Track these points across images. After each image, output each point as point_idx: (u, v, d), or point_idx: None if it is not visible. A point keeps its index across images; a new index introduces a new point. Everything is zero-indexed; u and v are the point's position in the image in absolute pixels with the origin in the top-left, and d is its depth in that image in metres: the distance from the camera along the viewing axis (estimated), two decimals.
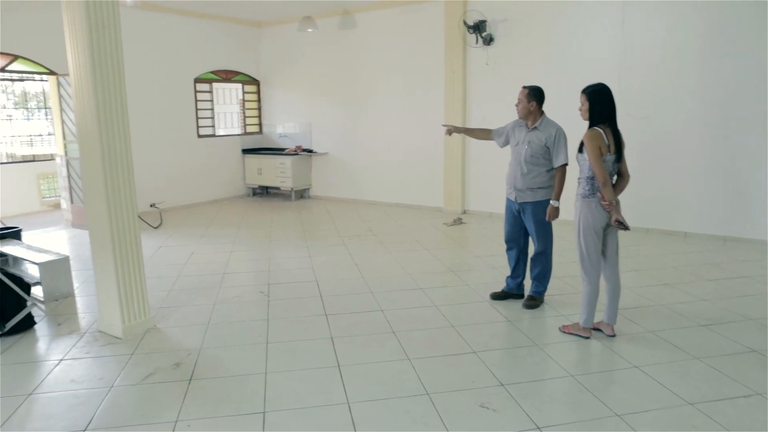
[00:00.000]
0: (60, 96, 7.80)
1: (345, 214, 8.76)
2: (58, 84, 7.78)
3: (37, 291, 4.77)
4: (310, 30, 8.94)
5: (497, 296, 4.75)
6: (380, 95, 9.29)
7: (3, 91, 9.68)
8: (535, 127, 4.33)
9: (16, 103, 9.89)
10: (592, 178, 3.67)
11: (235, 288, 5.15)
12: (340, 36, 9.53)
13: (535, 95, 4.30)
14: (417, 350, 3.75)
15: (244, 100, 10.87)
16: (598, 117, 3.64)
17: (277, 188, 10.62)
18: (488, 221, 8.05)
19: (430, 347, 3.81)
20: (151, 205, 8.74)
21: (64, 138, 7.87)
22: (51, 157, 9.51)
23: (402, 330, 4.09)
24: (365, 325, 4.22)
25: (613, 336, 3.92)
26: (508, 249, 4.73)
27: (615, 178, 3.74)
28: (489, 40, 7.90)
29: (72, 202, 7.90)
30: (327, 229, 7.73)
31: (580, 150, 3.72)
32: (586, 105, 3.68)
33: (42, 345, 3.97)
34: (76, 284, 5.21)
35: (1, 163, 9.23)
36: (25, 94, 9.93)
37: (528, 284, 4.71)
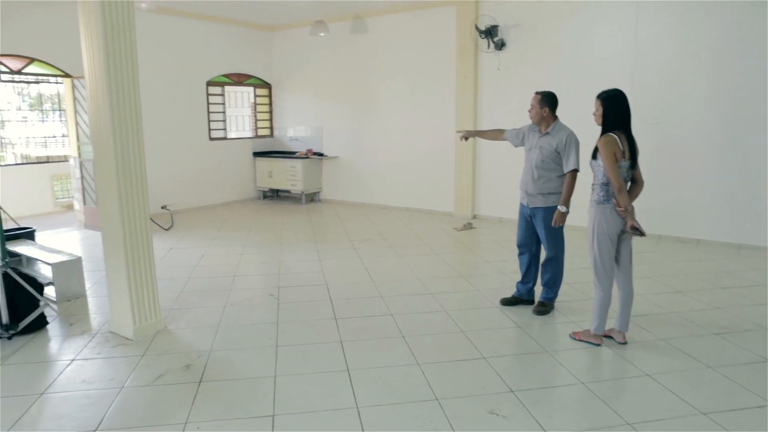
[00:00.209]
0: (74, 98, 7.88)
1: (355, 218, 8.77)
2: (73, 86, 7.86)
3: (49, 291, 4.82)
4: (322, 34, 8.98)
5: (507, 302, 4.74)
6: (391, 100, 9.30)
7: (18, 93, 9.80)
8: (547, 133, 4.32)
9: (31, 105, 10.01)
10: (606, 184, 3.64)
11: (246, 291, 5.17)
12: (351, 40, 9.56)
13: (548, 101, 4.29)
14: (426, 355, 3.73)
15: (255, 104, 10.93)
16: (612, 123, 3.61)
17: (288, 191, 10.65)
18: (498, 226, 8.02)
19: (440, 352, 3.80)
20: (162, 207, 8.81)
21: (78, 140, 7.95)
22: (64, 159, 9.62)
23: (412, 335, 4.08)
24: (375, 329, 4.21)
25: (625, 343, 3.88)
26: (520, 254, 4.71)
27: (629, 184, 3.71)
28: (501, 45, 7.89)
29: (84, 203, 7.97)
30: (337, 232, 7.74)
31: (594, 156, 3.70)
32: (600, 110, 3.66)
33: (54, 345, 4.00)
34: (88, 285, 5.25)
35: (16, 164, 9.35)
36: (40, 96, 10.06)
37: (539, 290, 4.68)
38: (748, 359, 3.64)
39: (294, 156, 10.26)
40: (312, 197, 10.55)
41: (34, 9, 7.38)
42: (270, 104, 11.07)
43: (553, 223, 4.27)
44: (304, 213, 9.34)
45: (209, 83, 9.80)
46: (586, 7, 7.25)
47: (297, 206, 10.03)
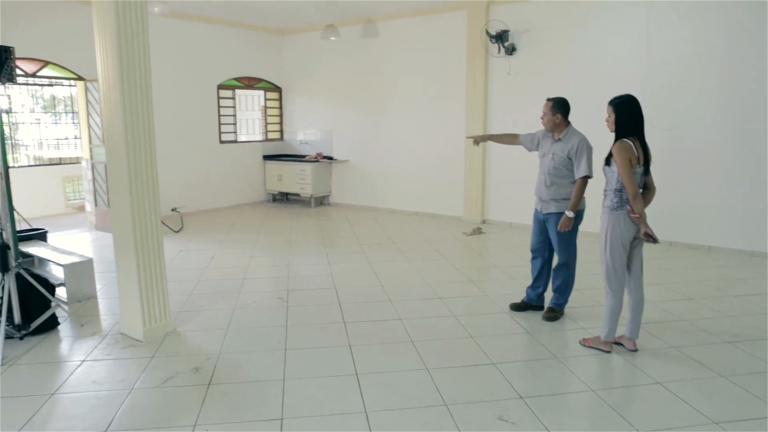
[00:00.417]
0: (87, 101, 7.96)
1: (364, 222, 8.77)
2: (86, 89, 7.93)
3: (60, 292, 4.86)
4: (333, 38, 9.01)
5: (517, 307, 4.72)
6: (401, 104, 9.32)
7: (32, 96, 9.91)
8: (560, 139, 4.31)
9: (44, 108, 10.12)
10: (620, 191, 3.62)
11: (255, 293, 5.18)
12: (362, 44, 9.59)
13: (560, 107, 4.28)
14: (435, 360, 3.72)
15: (266, 107, 10.97)
16: (625, 129, 3.59)
17: (297, 195, 10.68)
18: (508, 231, 8.00)
19: (449, 357, 3.78)
20: (172, 210, 8.86)
21: (90, 142, 8.02)
22: (76, 161, 9.71)
23: (420, 339, 4.08)
24: (384, 333, 4.21)
25: (635, 351, 3.85)
26: (533, 258, 4.71)
27: (641, 190, 3.69)
28: (511, 50, 7.88)
29: (96, 204, 8.03)
30: (346, 236, 7.75)
31: (608, 162, 3.68)
32: (613, 116, 3.64)
33: (65, 346, 4.03)
34: (98, 286, 5.29)
35: (29, 166, 9.44)
36: (53, 98, 10.16)
37: (548, 297, 4.66)
38: (761, 368, 3.60)
39: (304, 159, 10.29)
40: (321, 201, 10.57)
41: (49, 13, 7.46)
42: (280, 108, 11.12)
43: (559, 227, 4.26)
44: (314, 216, 9.36)
45: (220, 86, 9.86)
46: (597, 12, 7.22)
47: (306, 209, 10.06)
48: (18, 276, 4.04)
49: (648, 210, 3.72)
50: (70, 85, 9.51)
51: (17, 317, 4.01)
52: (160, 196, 4.16)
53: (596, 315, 4.55)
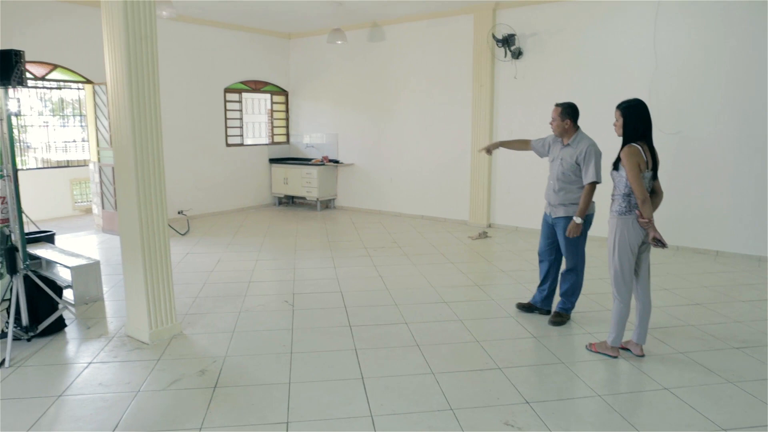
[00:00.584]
0: (95, 104, 8.00)
1: (370, 226, 8.78)
2: (94, 92, 7.98)
3: (67, 294, 4.88)
4: (339, 42, 9.03)
5: (522, 307, 4.77)
6: (407, 107, 9.32)
7: (41, 99, 9.98)
8: (568, 144, 4.32)
9: (52, 110, 10.19)
10: (628, 195, 3.60)
11: (261, 297, 5.19)
12: (368, 48, 9.61)
13: (569, 113, 4.28)
14: (441, 364, 3.72)
15: (272, 111, 11.01)
16: (633, 133, 3.58)
17: (303, 198, 10.70)
18: (514, 235, 7.98)
19: (455, 362, 3.78)
20: (179, 212, 8.89)
21: (98, 145, 8.06)
22: (84, 163, 9.75)
23: (426, 343, 4.07)
24: (389, 337, 4.20)
25: (642, 356, 3.83)
26: (540, 261, 4.72)
27: (648, 195, 3.67)
28: (518, 54, 7.88)
29: (103, 207, 8.07)
30: (352, 240, 7.75)
31: (616, 167, 3.66)
32: (621, 121, 3.63)
33: (72, 348, 4.05)
34: (105, 288, 5.31)
35: (37, 168, 9.50)
36: (61, 101, 10.23)
37: (556, 300, 4.65)
38: None
39: (310, 163, 10.31)
40: (327, 204, 10.58)
41: (58, 17, 7.52)
42: (286, 111, 11.15)
43: (567, 233, 4.25)
44: (319, 220, 9.37)
45: (227, 90, 9.90)
46: (604, 16, 7.21)
47: (312, 213, 10.07)
48: (26, 278, 4.06)
49: (655, 214, 3.71)
50: (78, 89, 9.57)
51: (25, 319, 4.02)
52: (166, 198, 4.18)
53: (603, 320, 4.53)
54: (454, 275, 5.92)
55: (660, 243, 3.55)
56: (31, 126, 9.70)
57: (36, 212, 7.48)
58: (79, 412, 3.12)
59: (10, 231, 4.16)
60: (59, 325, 4.27)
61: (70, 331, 4.34)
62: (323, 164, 10.16)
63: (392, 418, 3.05)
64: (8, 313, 3.93)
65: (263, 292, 5.35)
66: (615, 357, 3.83)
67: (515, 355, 3.89)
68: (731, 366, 3.70)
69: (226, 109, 9.91)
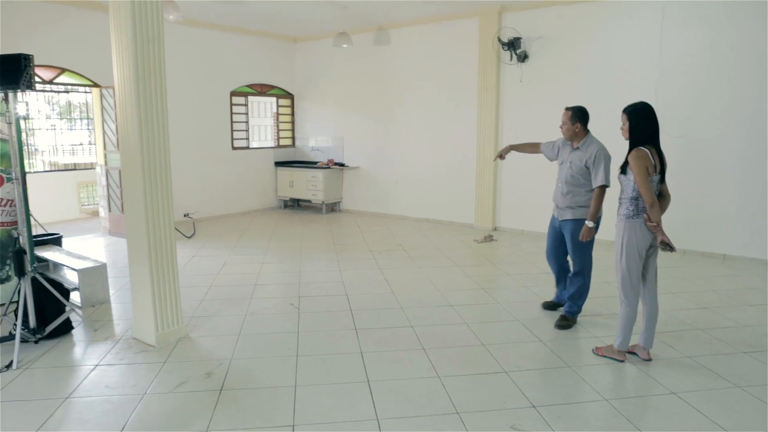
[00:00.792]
0: (102, 107, 8.04)
1: (375, 229, 8.78)
2: (101, 96, 8.02)
3: (74, 296, 4.90)
4: (345, 45, 9.05)
5: (548, 305, 4.85)
6: (413, 111, 9.33)
7: (48, 102, 10.05)
8: (578, 148, 4.34)
9: (60, 114, 10.25)
10: (636, 199, 3.59)
11: (266, 300, 5.19)
12: (374, 52, 9.63)
13: (580, 116, 4.31)
14: (447, 368, 3.71)
15: (278, 114, 11.04)
16: (639, 137, 3.57)
17: (308, 201, 10.71)
18: (519, 238, 7.96)
19: (461, 365, 3.77)
20: (185, 215, 8.92)
21: (105, 148, 8.10)
22: (91, 166, 9.81)
23: (432, 347, 4.06)
24: (395, 340, 4.20)
25: (649, 360, 3.81)
26: (549, 262, 4.80)
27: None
28: (523, 58, 7.87)
29: (109, 210, 8.10)
30: (357, 243, 7.76)
31: (624, 171, 3.65)
32: (627, 124, 3.62)
33: (78, 350, 4.06)
34: (112, 291, 5.33)
35: (44, 171, 9.56)
36: (69, 104, 10.29)
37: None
38: None
39: (315, 166, 10.33)
40: (332, 207, 10.59)
41: (67, 21, 7.56)
42: (292, 114, 11.18)
43: (580, 238, 4.25)
44: (325, 223, 9.37)
45: (233, 93, 9.94)
46: (609, 19, 7.21)
47: (317, 216, 10.08)
48: (33, 280, 4.08)
49: (662, 218, 3.69)
50: (86, 92, 9.63)
51: (32, 321, 4.04)
52: (173, 201, 4.19)
53: (609, 323, 4.51)
54: (459, 278, 5.91)
55: (668, 247, 3.54)
56: (39, 129, 9.77)
57: (43, 215, 7.51)
58: (86, 414, 3.13)
59: (18, 233, 4.18)
60: (66, 328, 4.29)
61: (77, 333, 4.36)
62: (329, 167, 10.18)
63: (398, 421, 3.04)
64: (16, 315, 3.95)
65: (269, 295, 5.36)
66: (622, 361, 3.81)
67: (521, 359, 3.87)
68: (739, 370, 3.68)
69: (232, 113, 9.94)
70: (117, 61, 3.91)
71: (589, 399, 3.33)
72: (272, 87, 10.66)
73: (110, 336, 4.28)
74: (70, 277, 5.23)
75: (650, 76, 6.91)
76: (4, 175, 4.69)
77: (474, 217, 8.77)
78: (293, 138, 11.27)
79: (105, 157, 8.11)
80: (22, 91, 3.91)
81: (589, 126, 4.43)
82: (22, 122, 4.18)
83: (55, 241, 5.86)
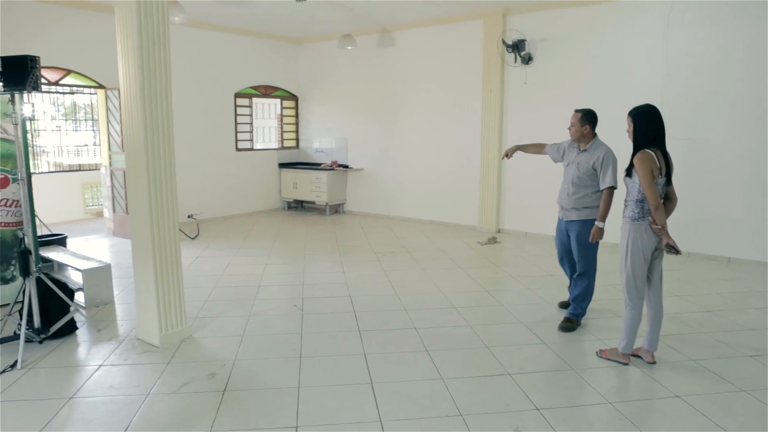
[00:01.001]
0: (107, 108, 8.07)
1: (379, 231, 8.78)
2: (106, 97, 8.05)
3: (79, 297, 4.91)
4: (349, 47, 9.06)
5: (564, 305, 4.90)
6: (417, 113, 9.33)
7: (53, 103, 10.09)
8: (585, 150, 4.39)
9: (65, 115, 10.29)
10: (641, 201, 3.58)
11: (270, 301, 5.20)
12: (378, 53, 9.64)
13: (589, 119, 4.36)
14: (451, 370, 3.70)
15: (282, 115, 11.06)
16: (644, 139, 3.56)
17: (312, 203, 10.72)
18: (523, 241, 7.95)
19: (464, 367, 3.76)
20: (189, 216, 8.94)
21: (109, 149, 8.13)
22: (95, 167, 9.84)
23: (436, 349, 4.06)
24: (399, 342, 4.20)
25: (654, 363, 3.80)
26: (562, 266, 4.84)
27: (662, 200, 3.65)
28: (528, 60, 7.87)
29: (114, 211, 8.12)
30: (361, 244, 7.76)
31: (629, 173, 3.65)
32: (632, 127, 3.62)
33: (83, 350, 4.07)
34: (116, 291, 5.34)
35: (49, 172, 9.60)
36: (74, 105, 10.33)
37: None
38: None
39: (319, 167, 10.34)
40: (336, 209, 10.60)
41: (72, 23, 7.59)
42: (296, 116, 11.19)
43: (590, 239, 4.30)
44: (329, 224, 9.38)
45: (237, 95, 9.96)
46: (614, 21, 7.20)
47: (321, 217, 10.09)
48: (38, 280, 4.10)
49: (667, 220, 3.68)
50: (91, 93, 9.66)
51: (37, 321, 4.06)
52: (177, 202, 4.20)
53: (613, 326, 4.50)
54: (463, 280, 5.91)
55: (674, 249, 3.53)
56: (44, 130, 9.81)
57: (48, 215, 7.54)
58: (90, 414, 3.14)
59: (23, 234, 4.20)
60: (71, 328, 4.31)
61: (81, 333, 4.37)
62: (332, 169, 10.18)
63: (402, 423, 3.04)
64: (21, 315, 3.96)
65: (272, 296, 5.36)
66: (626, 364, 3.80)
67: (525, 362, 3.87)
68: (744, 374, 3.66)
69: (236, 114, 9.96)
70: (123, 62, 3.92)
71: (593, 402, 3.32)
72: (276, 89, 10.68)
73: (114, 336, 4.29)
74: (74, 278, 5.25)
75: (655, 78, 6.90)
76: (9, 176, 4.72)
77: (478, 219, 8.76)
78: (297, 139, 11.29)
79: (110, 158, 8.14)
80: (29, 92, 3.93)
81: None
82: (27, 123, 4.20)
83: (60, 241, 5.88)
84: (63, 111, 10.40)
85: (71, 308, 4.28)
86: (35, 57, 3.92)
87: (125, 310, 4.90)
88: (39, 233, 5.22)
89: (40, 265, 4.22)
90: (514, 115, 8.23)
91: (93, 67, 7.87)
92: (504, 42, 7.89)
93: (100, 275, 4.99)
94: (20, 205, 4.62)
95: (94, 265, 5.02)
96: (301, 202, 11.01)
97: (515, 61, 7.97)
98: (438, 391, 3.40)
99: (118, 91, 4.07)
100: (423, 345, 4.13)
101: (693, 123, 6.70)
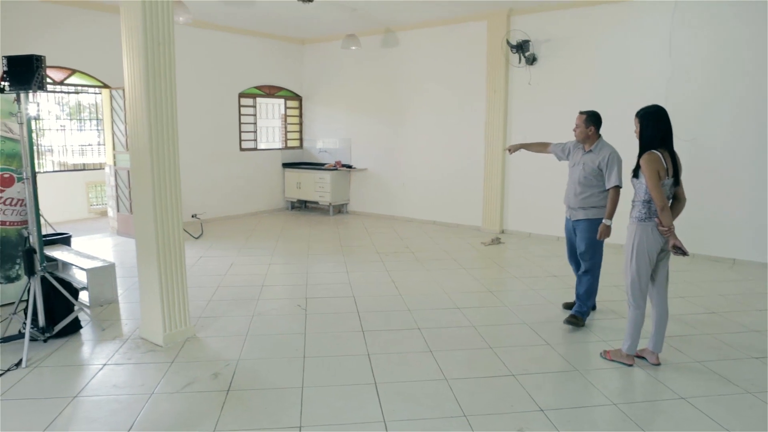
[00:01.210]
0: (111, 108, 8.09)
1: (382, 231, 8.77)
2: (111, 97, 8.07)
3: (83, 296, 4.92)
4: (353, 47, 9.06)
5: (569, 306, 4.89)
6: (421, 113, 9.33)
7: (58, 103, 10.12)
8: (590, 150, 4.45)
9: (69, 114, 10.32)
10: (648, 202, 3.57)
11: (273, 301, 5.20)
12: (382, 54, 9.63)
13: (594, 120, 4.43)
14: (454, 370, 3.70)
15: (286, 115, 11.06)
16: (651, 140, 3.55)
17: (316, 203, 10.72)
18: (527, 241, 7.93)
19: (468, 368, 3.76)
20: (192, 216, 8.95)
21: (114, 148, 8.14)
22: (100, 167, 9.87)
23: (439, 349, 4.05)
24: (402, 342, 4.19)
25: (658, 365, 3.79)
26: (571, 264, 4.89)
27: (670, 201, 3.64)
28: (532, 60, 7.86)
29: (118, 210, 8.14)
30: (364, 245, 7.75)
31: (636, 174, 3.64)
32: (639, 128, 3.61)
33: (87, 349, 4.08)
34: (120, 291, 5.35)
35: (54, 171, 9.62)
36: (78, 105, 10.36)
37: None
38: None
39: (323, 168, 10.34)
40: (340, 209, 10.60)
41: (77, 22, 7.61)
42: (300, 116, 11.20)
43: (598, 236, 4.36)
44: (332, 224, 9.38)
45: (241, 95, 9.97)
46: (618, 22, 7.18)
47: (325, 217, 10.09)
48: (43, 279, 4.11)
49: (674, 221, 3.67)
50: (95, 93, 9.69)
51: (41, 320, 4.06)
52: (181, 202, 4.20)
53: (616, 327, 4.49)
54: (467, 281, 5.90)
55: (680, 251, 3.52)
56: (49, 129, 9.84)
57: (52, 215, 7.56)
58: (94, 413, 3.14)
59: (28, 233, 4.21)
60: (75, 327, 4.32)
61: (86, 332, 4.38)
62: (336, 169, 10.18)
63: (405, 423, 3.04)
64: (25, 313, 3.98)
65: (276, 296, 5.36)
66: (630, 365, 3.79)
67: (529, 362, 3.86)
68: (749, 375, 3.64)
69: (240, 114, 9.97)
70: (127, 62, 3.93)
71: (598, 403, 3.31)
72: (280, 89, 10.69)
73: (118, 335, 4.30)
74: (78, 277, 5.26)
75: (660, 79, 6.88)
76: (15, 175, 4.73)
77: (481, 220, 8.75)
78: (301, 139, 11.30)
79: (114, 157, 8.15)
80: (34, 91, 3.94)
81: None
82: (33, 122, 4.20)
83: (65, 240, 5.89)
84: (68, 110, 10.44)
85: (75, 307, 4.29)
86: (41, 56, 3.93)
87: (129, 310, 4.91)
88: (44, 232, 5.23)
89: (44, 264, 4.23)
90: (518, 115, 8.22)
91: (98, 66, 7.89)
92: (508, 42, 7.88)
93: (104, 274, 5.00)
94: (25, 204, 4.64)
95: (99, 264, 5.03)
96: (305, 202, 11.01)
97: (519, 62, 7.96)
98: (442, 392, 3.40)
99: (123, 90, 4.07)
100: (427, 345, 4.13)
101: (698, 124, 6.68)
